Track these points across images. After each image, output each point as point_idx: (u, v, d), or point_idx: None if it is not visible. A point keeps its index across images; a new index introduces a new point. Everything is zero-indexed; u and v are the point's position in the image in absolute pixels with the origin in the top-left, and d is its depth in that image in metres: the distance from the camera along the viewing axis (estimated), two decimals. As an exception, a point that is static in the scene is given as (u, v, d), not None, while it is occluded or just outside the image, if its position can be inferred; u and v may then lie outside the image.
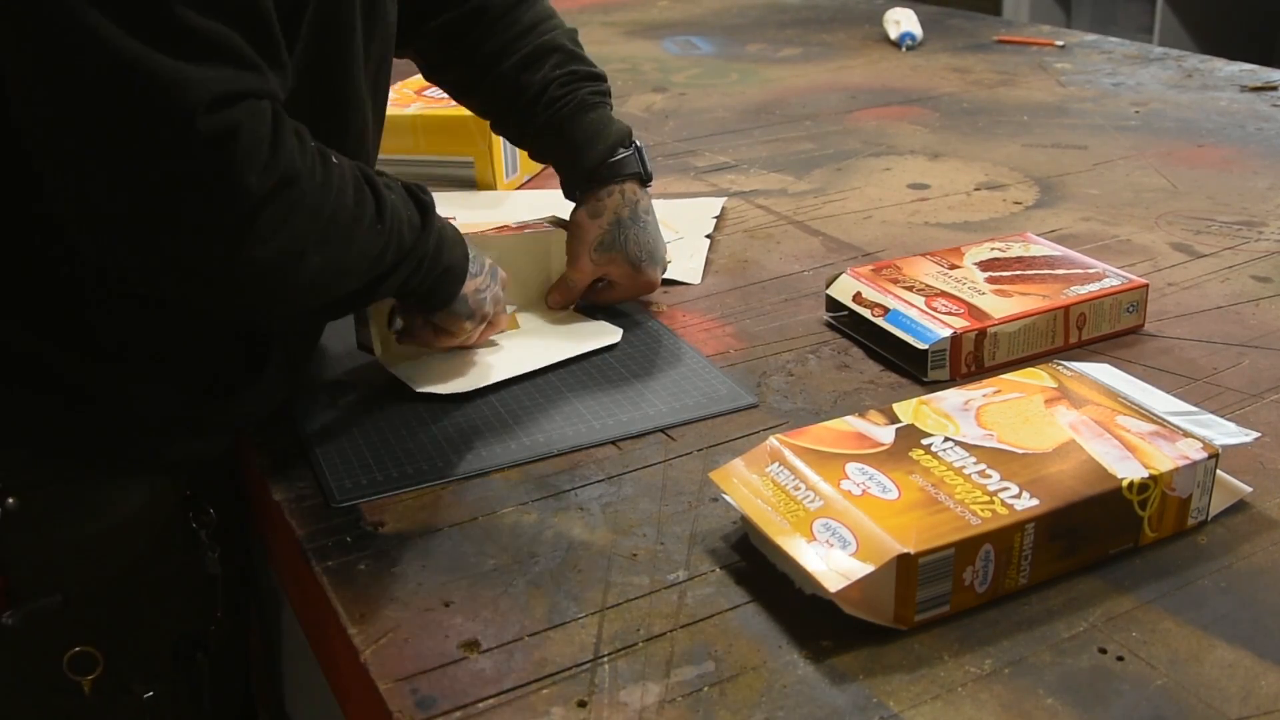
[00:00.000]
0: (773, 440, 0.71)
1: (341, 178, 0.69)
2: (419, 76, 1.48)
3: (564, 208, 1.26)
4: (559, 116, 0.95)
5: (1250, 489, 0.71)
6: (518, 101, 0.97)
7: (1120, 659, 0.59)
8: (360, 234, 0.70)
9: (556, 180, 1.37)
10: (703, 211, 1.24)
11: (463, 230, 0.85)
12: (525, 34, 0.98)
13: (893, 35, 2.04)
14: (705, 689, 0.58)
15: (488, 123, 1.29)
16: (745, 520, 0.68)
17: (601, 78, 1.00)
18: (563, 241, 0.98)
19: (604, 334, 0.95)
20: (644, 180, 0.98)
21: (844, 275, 0.97)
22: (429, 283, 0.80)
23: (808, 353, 0.93)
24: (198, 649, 0.83)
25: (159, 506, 0.79)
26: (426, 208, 0.78)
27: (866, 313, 0.92)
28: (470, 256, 0.84)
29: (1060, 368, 0.79)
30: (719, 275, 1.09)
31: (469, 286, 0.84)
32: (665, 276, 1.07)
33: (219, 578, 0.82)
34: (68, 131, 0.59)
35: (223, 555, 0.82)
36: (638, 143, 0.97)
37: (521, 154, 1.36)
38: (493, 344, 0.93)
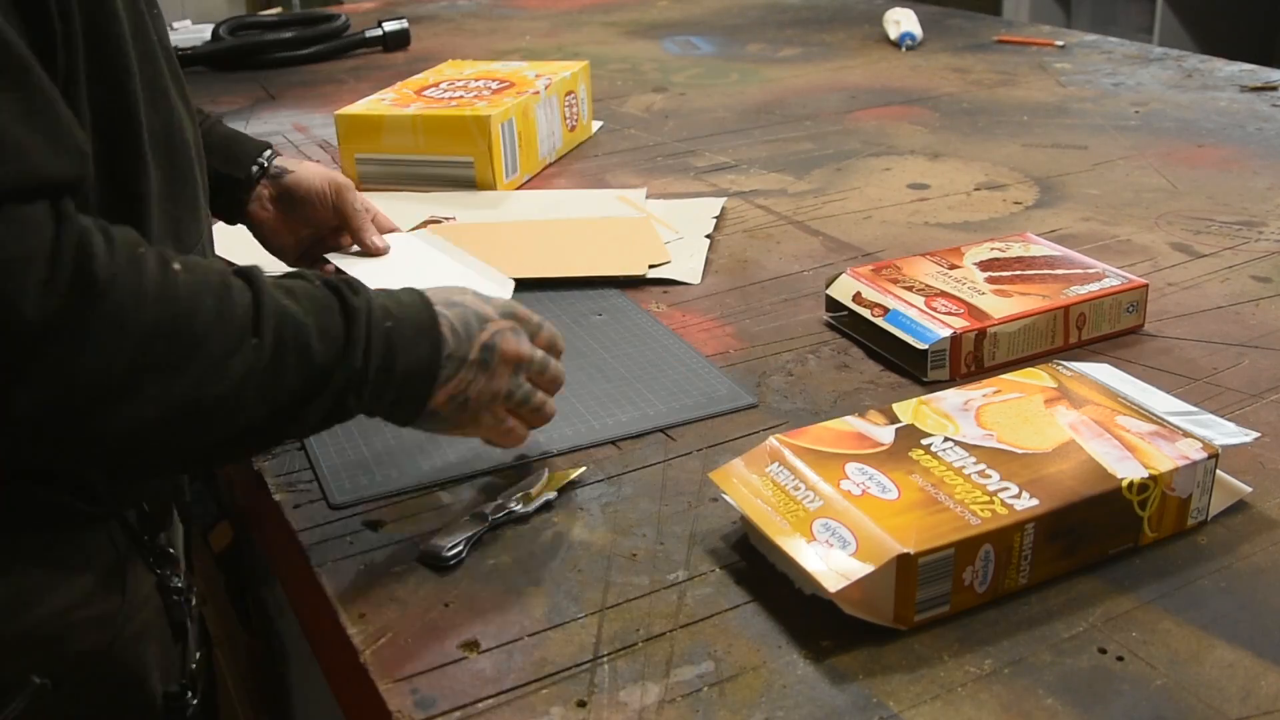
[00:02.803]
0: (772, 440, 0.70)
1: (191, 286, 0.55)
2: (418, 76, 1.49)
3: (565, 208, 1.27)
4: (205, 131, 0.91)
5: (1250, 489, 0.71)
6: None
7: (1120, 659, 0.59)
8: (224, 357, 0.56)
9: (557, 180, 1.38)
10: (702, 211, 1.24)
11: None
12: None
13: (893, 35, 2.04)
14: (705, 689, 0.58)
15: (486, 123, 1.29)
16: (745, 520, 0.68)
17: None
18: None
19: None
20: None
21: (844, 275, 0.97)
22: (383, 404, 0.65)
23: (807, 353, 0.93)
24: (187, 690, 0.75)
25: (105, 561, 0.69)
26: (354, 311, 0.61)
27: (866, 313, 0.92)
28: (446, 352, 0.66)
29: (1060, 368, 0.79)
30: (719, 275, 1.09)
31: (440, 397, 0.67)
32: (665, 276, 1.08)
33: (193, 619, 0.76)
34: None
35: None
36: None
37: (522, 154, 1.36)
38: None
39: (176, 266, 0.55)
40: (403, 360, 0.64)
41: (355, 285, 0.64)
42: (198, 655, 0.78)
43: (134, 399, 0.53)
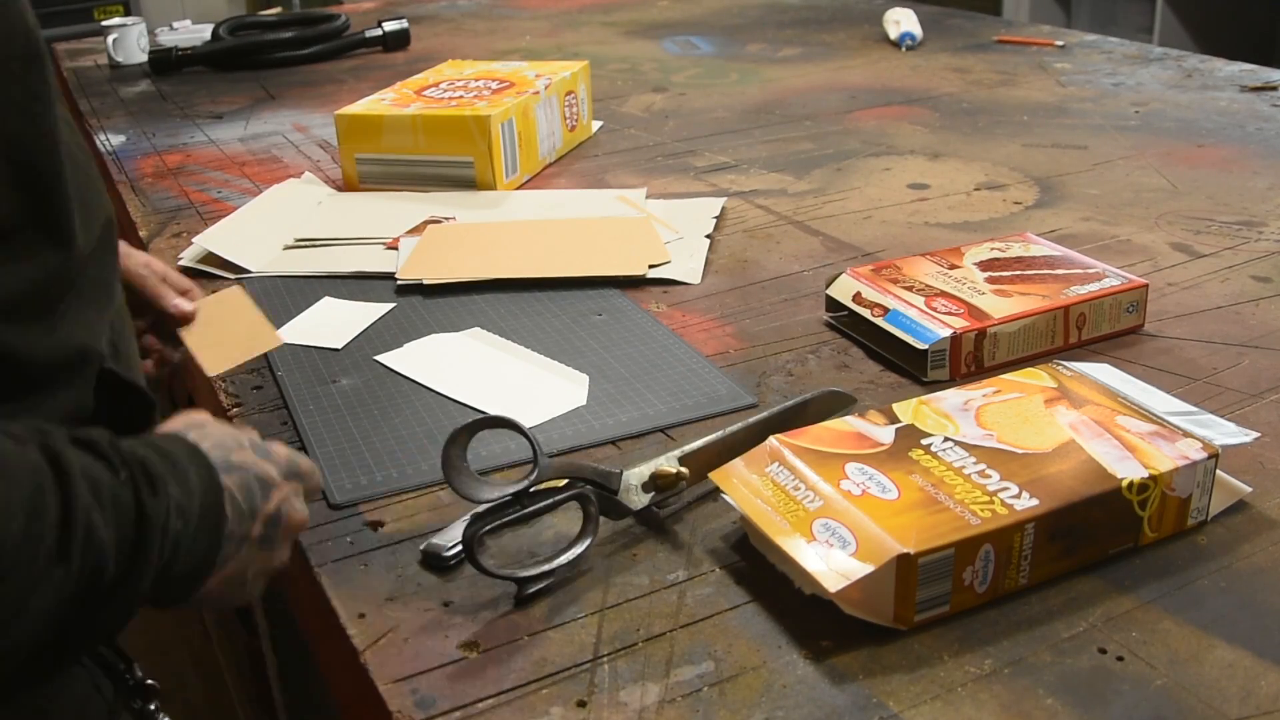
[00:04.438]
0: (772, 440, 0.70)
1: (4, 504, 0.47)
2: (418, 76, 1.49)
3: (565, 208, 1.27)
4: None
5: (1250, 489, 0.71)
6: None
7: (1120, 659, 0.59)
8: (27, 593, 0.48)
9: (557, 180, 1.38)
10: (702, 211, 1.24)
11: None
12: None
13: (893, 35, 2.04)
14: (705, 689, 0.58)
15: (486, 123, 1.29)
16: (745, 520, 0.68)
17: None
18: (239, 296, 0.93)
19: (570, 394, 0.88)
20: None
21: (844, 275, 0.97)
22: (148, 599, 0.55)
23: (807, 353, 0.93)
24: None
25: (109, 707, 0.64)
26: (149, 524, 0.53)
27: (866, 313, 0.92)
28: (225, 534, 0.58)
29: (1060, 368, 0.79)
30: (719, 275, 1.09)
31: (213, 582, 0.58)
32: (665, 276, 1.08)
33: None
34: None
35: None
36: None
37: (522, 154, 1.36)
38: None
39: None
40: (181, 565, 0.56)
41: (155, 480, 0.54)
42: None
43: None
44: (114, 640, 0.66)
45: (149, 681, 0.67)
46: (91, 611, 0.52)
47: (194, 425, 0.62)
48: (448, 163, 1.32)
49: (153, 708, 0.67)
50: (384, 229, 1.20)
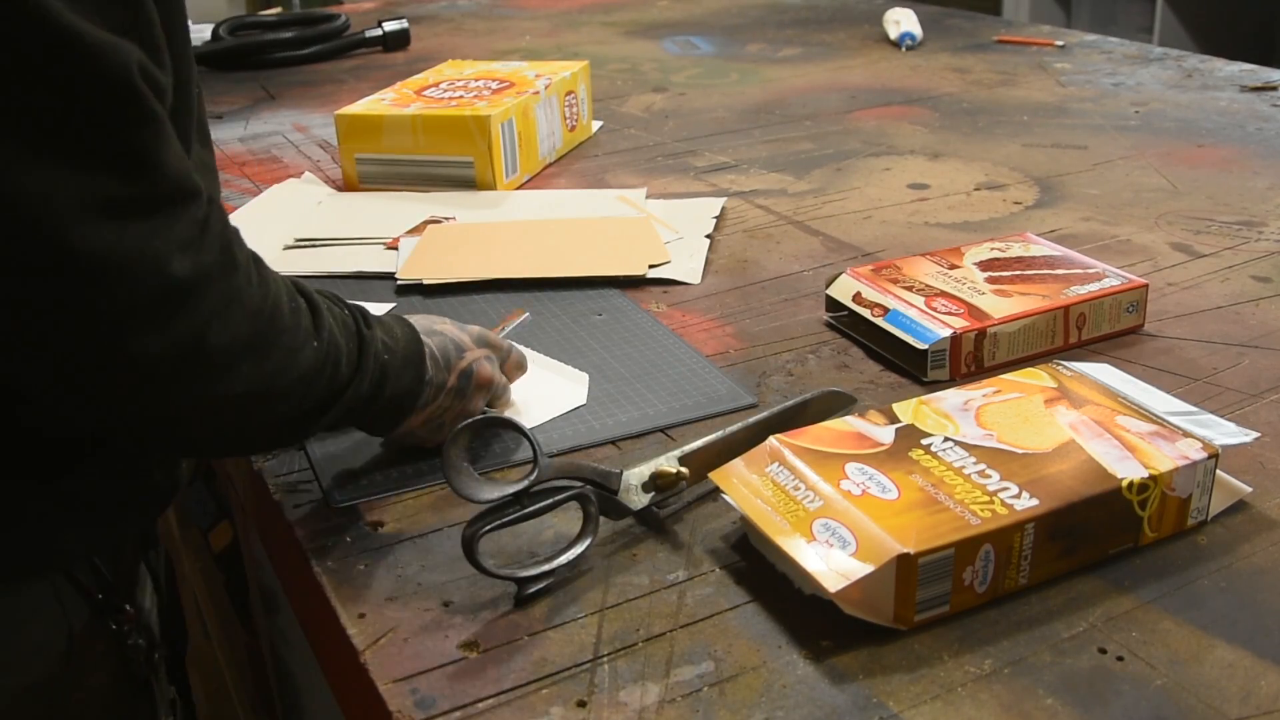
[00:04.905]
0: (772, 440, 0.70)
1: (275, 281, 0.61)
2: (418, 76, 1.49)
3: (565, 208, 1.27)
4: None
5: (1250, 489, 0.71)
6: None
7: (1120, 659, 0.59)
8: (297, 351, 0.61)
9: (557, 180, 1.38)
10: (702, 211, 1.24)
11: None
12: None
13: (893, 35, 2.04)
14: (705, 689, 0.58)
15: (486, 123, 1.29)
16: (745, 520, 0.68)
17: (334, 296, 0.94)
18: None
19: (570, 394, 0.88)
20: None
21: (844, 275, 0.97)
22: (369, 416, 0.70)
23: (808, 353, 0.93)
24: None
25: (67, 617, 0.68)
26: (365, 343, 0.67)
27: (866, 313, 0.92)
28: (426, 379, 0.72)
29: (1060, 368, 0.79)
30: (719, 275, 1.09)
31: (417, 420, 0.73)
32: (665, 276, 1.08)
33: (154, 680, 0.75)
34: None
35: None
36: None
37: (522, 154, 1.36)
38: None
39: (265, 273, 0.61)
40: (390, 389, 0.70)
41: (369, 318, 0.69)
42: (172, 710, 0.77)
43: (231, 374, 0.58)
44: (97, 559, 0.71)
45: (127, 606, 0.71)
46: (328, 400, 0.64)
47: (412, 317, 0.75)
48: (448, 163, 1.32)
49: (126, 629, 0.71)
50: (384, 229, 1.20)
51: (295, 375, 0.61)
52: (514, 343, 0.84)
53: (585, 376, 0.89)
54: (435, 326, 0.75)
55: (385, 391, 0.69)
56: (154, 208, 0.53)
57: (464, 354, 0.75)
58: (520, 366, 0.83)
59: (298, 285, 0.65)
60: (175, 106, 0.59)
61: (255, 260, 0.60)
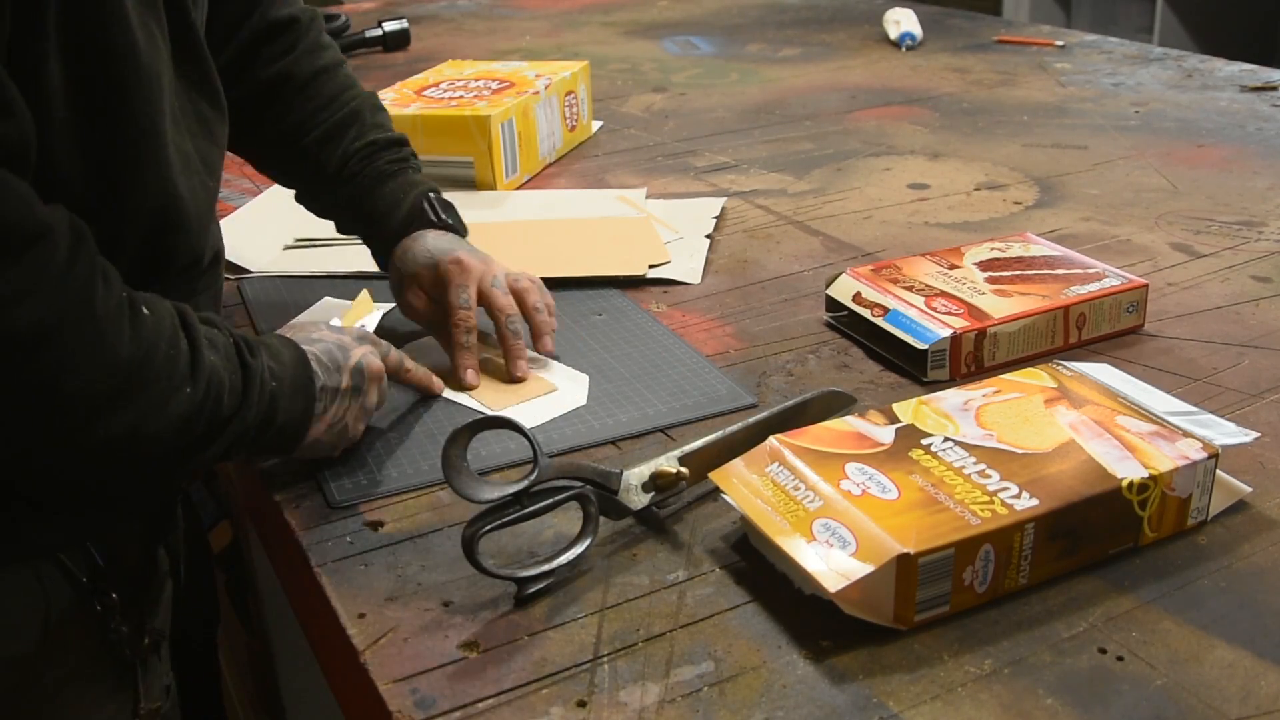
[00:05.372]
0: (772, 440, 0.70)
1: (154, 330, 0.61)
2: (418, 76, 1.49)
3: (565, 208, 1.27)
4: (359, 191, 0.93)
5: (1250, 489, 0.71)
6: (319, 177, 0.95)
7: (1120, 659, 0.59)
8: (168, 396, 0.61)
9: (557, 180, 1.38)
10: (702, 211, 1.24)
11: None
12: (325, 107, 0.94)
13: (893, 35, 2.04)
14: (705, 689, 0.58)
15: (486, 123, 1.29)
16: (745, 520, 0.68)
17: (401, 142, 0.97)
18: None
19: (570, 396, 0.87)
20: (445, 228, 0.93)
21: (844, 275, 0.97)
22: (261, 446, 0.71)
23: (808, 353, 0.93)
24: None
25: (46, 597, 0.70)
26: (251, 374, 0.67)
27: (866, 313, 0.92)
28: (317, 392, 0.72)
29: (1060, 368, 0.79)
30: (719, 275, 1.09)
31: (317, 430, 0.73)
32: (665, 276, 1.08)
33: (138, 663, 0.76)
34: None
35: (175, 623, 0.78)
36: (433, 196, 0.94)
37: (522, 154, 1.36)
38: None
39: (145, 311, 0.61)
40: (281, 416, 0.70)
41: (253, 346, 0.69)
42: (165, 695, 0.78)
43: (91, 425, 0.58)
44: (86, 545, 0.72)
45: (113, 594, 0.72)
46: (212, 436, 0.65)
47: (287, 327, 0.77)
48: (448, 163, 1.32)
49: (110, 613, 0.72)
50: (384, 229, 1.20)
51: (166, 420, 0.61)
52: (392, 345, 0.84)
53: (585, 378, 0.89)
54: (313, 335, 0.76)
55: (277, 419, 0.69)
56: None
57: (349, 353, 0.76)
58: (399, 367, 0.83)
59: (183, 319, 0.64)
60: (105, 103, 0.60)
61: (128, 304, 0.60)
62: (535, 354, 0.92)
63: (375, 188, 0.93)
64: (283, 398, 0.70)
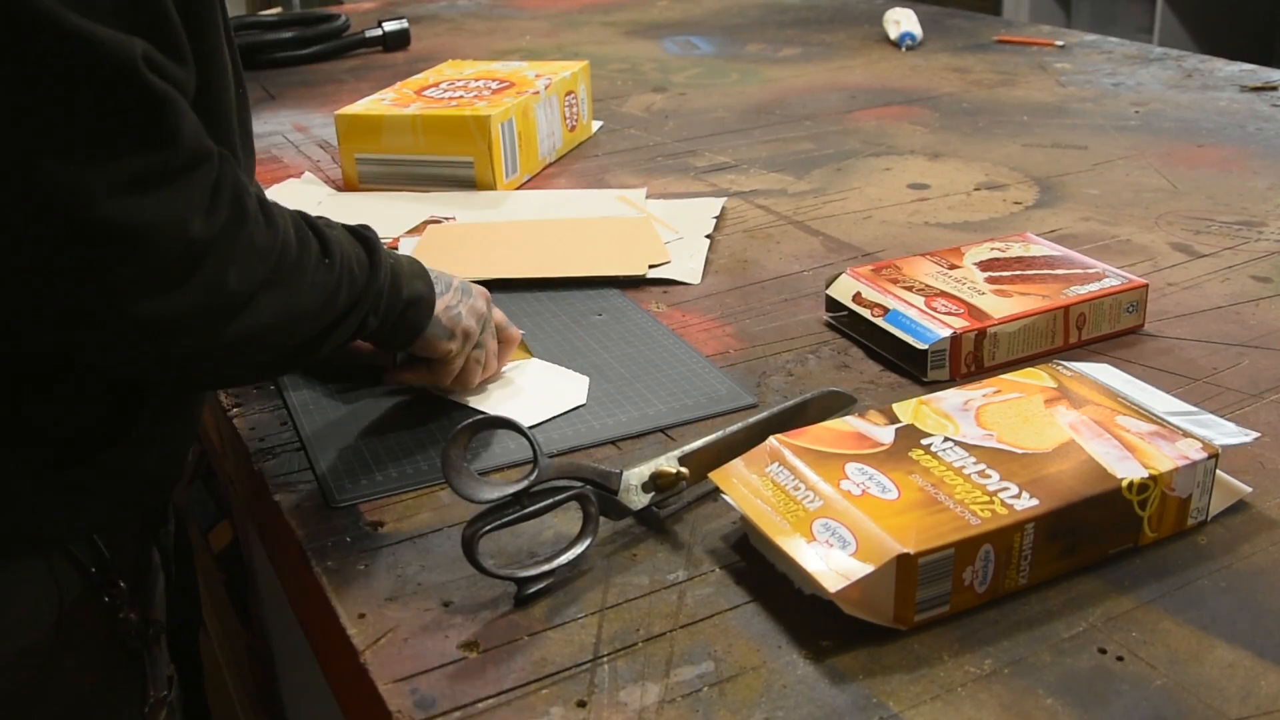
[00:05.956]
0: (772, 440, 0.70)
1: (282, 217, 0.67)
2: (418, 76, 1.49)
3: (565, 208, 1.27)
4: None
5: (1250, 489, 0.71)
6: None
7: (1120, 659, 0.59)
8: (310, 273, 0.67)
9: (557, 180, 1.38)
10: (702, 211, 1.24)
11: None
12: None
13: (893, 35, 2.04)
14: (705, 689, 0.58)
15: (486, 123, 1.29)
16: (745, 520, 0.68)
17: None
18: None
19: (569, 394, 0.88)
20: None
21: (844, 275, 0.97)
22: (393, 318, 0.76)
23: (808, 353, 0.93)
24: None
25: (59, 589, 0.71)
26: (372, 244, 0.74)
27: (866, 313, 0.92)
28: (434, 278, 0.81)
29: (1060, 368, 0.79)
30: (719, 275, 1.09)
31: (440, 304, 0.80)
32: (665, 276, 1.08)
33: (147, 654, 0.76)
34: None
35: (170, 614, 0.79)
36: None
37: (522, 154, 1.36)
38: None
39: (275, 210, 0.67)
40: (406, 289, 0.77)
41: (369, 232, 0.75)
42: (168, 685, 0.78)
43: (254, 309, 0.63)
44: (93, 535, 0.73)
45: (120, 583, 0.74)
46: (355, 304, 0.71)
47: None
48: (448, 163, 1.32)
49: (119, 603, 0.74)
50: (384, 229, 1.20)
51: (315, 295, 0.67)
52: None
53: (585, 379, 0.89)
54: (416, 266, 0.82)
55: (403, 291, 0.76)
56: (172, 177, 0.58)
57: (450, 280, 0.84)
58: (504, 326, 0.88)
59: (303, 215, 0.70)
60: (205, 104, 0.64)
61: (261, 203, 0.65)
62: (535, 359, 0.92)
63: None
64: (403, 275, 0.77)
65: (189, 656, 0.89)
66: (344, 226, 0.74)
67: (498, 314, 0.88)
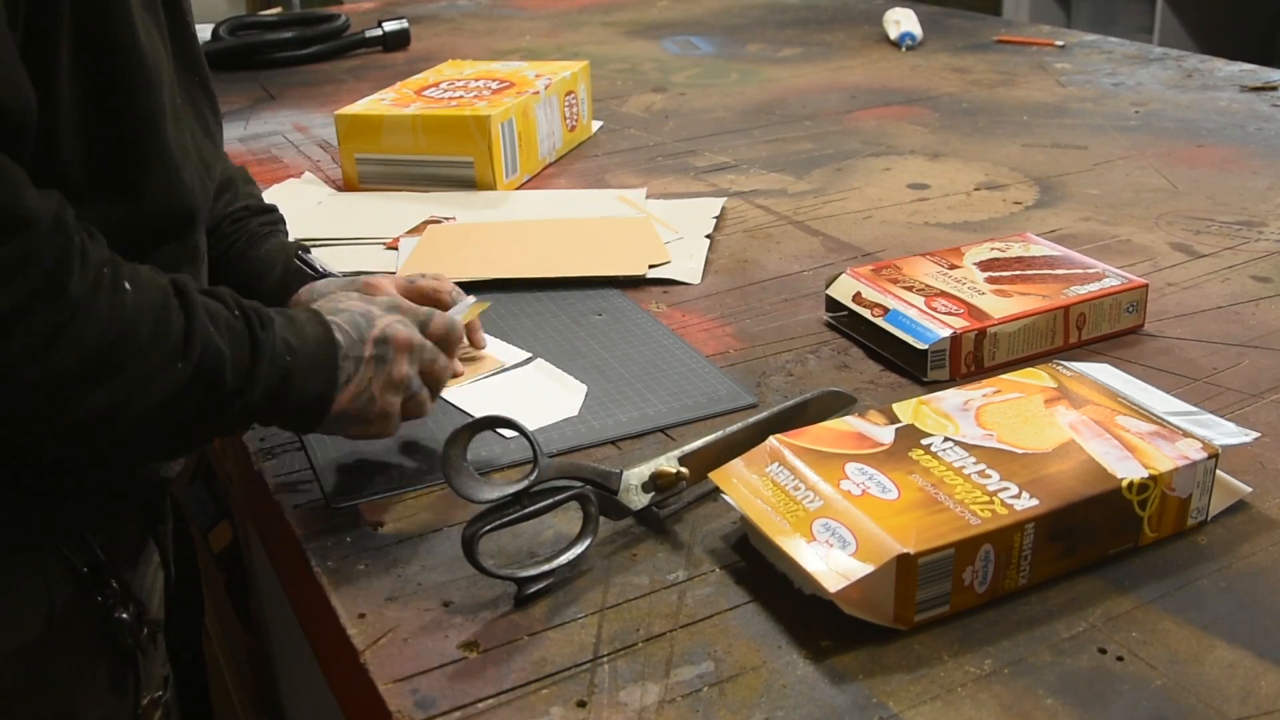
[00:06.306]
0: (772, 440, 0.70)
1: (136, 308, 0.59)
2: (418, 76, 1.49)
3: (565, 208, 1.27)
4: (233, 251, 0.90)
5: (1250, 489, 0.71)
6: None
7: (1120, 659, 0.59)
8: (152, 375, 0.60)
9: (557, 180, 1.38)
10: (702, 211, 1.24)
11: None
12: None
13: (893, 35, 2.04)
14: (705, 689, 0.58)
15: (486, 123, 1.29)
16: (745, 520, 0.68)
17: (270, 209, 0.95)
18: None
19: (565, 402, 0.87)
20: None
21: (844, 275, 0.97)
22: (277, 420, 0.69)
23: (808, 353, 0.93)
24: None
25: (49, 589, 0.70)
26: (259, 346, 0.65)
27: (866, 313, 0.92)
28: (339, 361, 0.70)
29: (1060, 368, 0.79)
30: (719, 275, 1.09)
31: (342, 400, 0.70)
32: (665, 276, 1.08)
33: (141, 654, 0.76)
34: None
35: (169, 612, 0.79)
36: (303, 255, 0.91)
37: (522, 154, 1.36)
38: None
39: (128, 286, 0.59)
40: (297, 391, 0.67)
41: (265, 319, 0.67)
42: (164, 685, 0.78)
43: (66, 405, 0.57)
44: (85, 537, 0.72)
45: (112, 582, 0.73)
46: (212, 412, 0.63)
47: (316, 296, 0.76)
48: (448, 163, 1.32)
49: (112, 603, 0.73)
50: (384, 229, 1.20)
51: (153, 398, 0.60)
52: (437, 310, 0.79)
53: (583, 388, 0.88)
54: (340, 305, 0.73)
55: (290, 395, 0.67)
56: None
57: (374, 322, 0.72)
58: (447, 334, 0.78)
59: (180, 292, 0.62)
60: (113, 104, 0.61)
61: (108, 281, 0.58)
62: (542, 360, 0.92)
63: (250, 249, 0.91)
64: (298, 372, 0.67)
65: (190, 656, 0.89)
66: (238, 312, 0.66)
67: (437, 321, 0.78)
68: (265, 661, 1.19)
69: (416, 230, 1.20)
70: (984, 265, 0.97)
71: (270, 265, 0.89)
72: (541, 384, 0.89)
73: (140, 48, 0.64)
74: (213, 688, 1.54)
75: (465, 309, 0.87)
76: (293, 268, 0.89)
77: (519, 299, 1.04)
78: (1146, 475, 0.66)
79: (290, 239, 0.94)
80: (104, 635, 0.74)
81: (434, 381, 0.76)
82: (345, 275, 0.90)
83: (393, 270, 1.10)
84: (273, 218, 0.94)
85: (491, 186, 1.31)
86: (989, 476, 0.66)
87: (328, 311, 0.72)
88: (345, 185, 1.35)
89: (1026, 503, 0.64)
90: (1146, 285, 0.94)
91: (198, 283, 0.66)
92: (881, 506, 0.64)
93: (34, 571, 0.70)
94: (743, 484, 0.68)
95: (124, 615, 0.74)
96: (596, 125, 1.60)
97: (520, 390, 0.88)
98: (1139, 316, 0.94)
